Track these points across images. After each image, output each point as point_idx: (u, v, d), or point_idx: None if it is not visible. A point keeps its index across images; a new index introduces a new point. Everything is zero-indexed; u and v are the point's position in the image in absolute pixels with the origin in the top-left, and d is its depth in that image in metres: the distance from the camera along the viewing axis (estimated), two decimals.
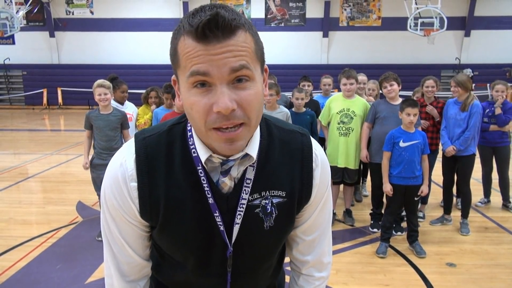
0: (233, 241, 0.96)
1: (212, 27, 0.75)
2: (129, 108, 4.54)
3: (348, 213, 4.41)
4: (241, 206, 0.93)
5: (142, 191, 0.91)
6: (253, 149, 0.91)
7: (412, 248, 3.71)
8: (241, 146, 0.84)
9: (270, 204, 0.95)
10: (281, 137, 0.98)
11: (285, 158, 0.97)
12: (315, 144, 1.02)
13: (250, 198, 0.94)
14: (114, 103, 4.19)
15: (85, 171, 4.03)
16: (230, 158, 0.90)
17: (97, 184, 3.91)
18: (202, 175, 0.91)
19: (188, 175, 0.92)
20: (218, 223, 0.93)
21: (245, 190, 0.93)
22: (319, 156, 1.01)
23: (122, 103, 4.51)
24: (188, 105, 0.83)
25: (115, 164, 0.94)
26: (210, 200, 0.92)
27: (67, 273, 3.33)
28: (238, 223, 0.94)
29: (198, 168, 0.91)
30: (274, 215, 0.96)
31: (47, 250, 3.74)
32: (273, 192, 0.95)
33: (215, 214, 0.93)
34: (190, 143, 0.92)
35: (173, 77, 0.90)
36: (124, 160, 0.93)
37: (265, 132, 0.96)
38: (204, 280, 1.03)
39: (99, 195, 3.95)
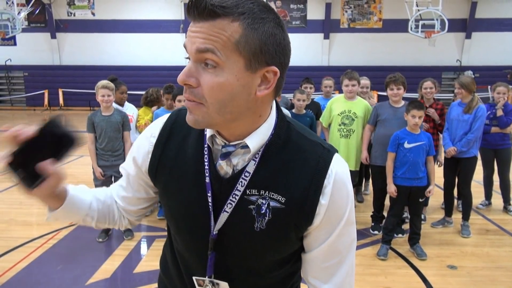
0: (217, 226, 0.95)
1: (193, 7, 0.81)
2: (129, 110, 4.54)
3: None
4: (233, 195, 0.93)
5: (156, 149, 1.02)
6: (253, 142, 0.91)
7: (413, 250, 3.70)
8: (196, 121, 0.87)
9: (266, 206, 0.93)
10: (299, 143, 0.95)
11: (296, 165, 0.93)
12: (337, 161, 0.95)
13: (247, 192, 0.93)
14: (114, 105, 4.19)
15: (86, 172, 4.03)
16: (231, 143, 0.93)
17: (98, 185, 3.90)
18: (206, 153, 0.96)
19: (197, 150, 0.98)
20: (209, 203, 0.95)
21: (241, 181, 0.92)
22: (335, 175, 0.93)
23: (121, 105, 4.51)
24: None
25: (156, 121, 1.08)
26: (207, 179, 0.95)
27: (68, 274, 3.33)
28: (227, 212, 0.94)
29: (205, 145, 0.97)
30: (267, 218, 0.93)
31: (47, 251, 3.74)
32: (272, 195, 0.93)
33: (208, 194, 0.95)
34: None
35: None
36: (159, 122, 1.06)
37: (282, 132, 0.95)
38: (193, 256, 1.03)
39: None
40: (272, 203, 0.92)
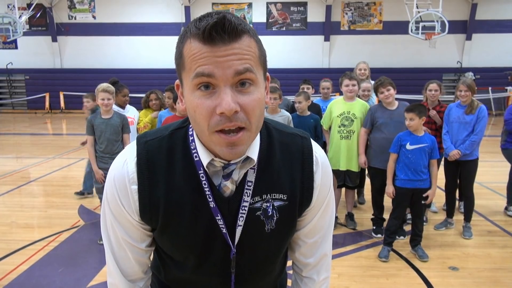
0: (236, 243, 0.97)
1: (218, 29, 0.77)
2: (131, 112, 4.55)
3: (350, 216, 4.40)
4: (243, 208, 0.94)
5: (142, 194, 0.92)
6: (254, 152, 0.92)
7: (414, 252, 3.69)
8: (242, 151, 0.85)
9: (271, 207, 0.96)
10: (281, 139, 0.99)
11: (286, 161, 0.98)
12: (315, 146, 1.02)
13: (251, 201, 0.94)
14: (115, 107, 4.20)
15: (87, 174, 4.03)
16: (232, 162, 0.90)
17: (99, 188, 3.91)
18: (204, 179, 0.92)
19: (189, 179, 0.92)
20: (220, 226, 0.94)
21: (246, 192, 0.94)
22: (320, 159, 1.01)
23: (123, 107, 4.52)
24: (191, 108, 0.83)
25: (117, 166, 0.95)
26: (212, 204, 0.93)
27: (69, 276, 3.33)
28: (240, 225, 0.95)
29: (199, 172, 0.92)
30: (275, 218, 0.97)
31: (49, 253, 3.74)
32: (274, 195, 0.96)
33: (217, 218, 0.94)
34: (192, 147, 0.93)
35: (177, 81, 0.91)
36: (125, 163, 0.94)
37: (265, 135, 0.97)
38: (206, 278, 1.04)
39: (100, 198, 3.96)
40: (276, 203, 0.96)
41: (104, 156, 3.86)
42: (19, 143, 10.57)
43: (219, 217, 0.94)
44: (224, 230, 0.95)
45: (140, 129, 4.55)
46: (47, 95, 17.08)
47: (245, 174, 0.94)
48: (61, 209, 4.97)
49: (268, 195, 0.95)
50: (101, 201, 3.97)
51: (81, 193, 5.30)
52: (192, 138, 0.94)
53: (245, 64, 0.79)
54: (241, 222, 0.95)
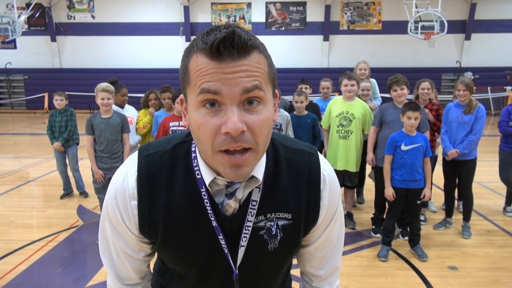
0: (238, 264, 0.94)
1: (227, 45, 0.74)
2: (130, 112, 4.55)
3: (349, 216, 4.40)
4: (246, 228, 0.91)
5: (141, 210, 0.91)
6: (259, 171, 0.89)
7: (413, 251, 3.69)
8: (248, 172, 0.81)
9: (275, 227, 0.93)
10: (288, 157, 0.96)
11: (292, 179, 0.94)
12: (323, 163, 0.98)
13: (255, 220, 0.92)
14: (114, 107, 4.19)
15: (86, 174, 4.02)
16: (236, 181, 0.87)
17: (97, 188, 3.90)
18: (206, 197, 0.89)
19: (191, 197, 0.90)
20: (223, 245, 0.92)
21: (250, 212, 0.91)
22: (327, 176, 0.97)
23: (122, 107, 4.52)
24: (195, 125, 0.80)
25: (118, 179, 0.94)
26: (214, 223, 0.90)
27: (68, 276, 3.33)
28: (243, 246, 0.93)
29: (201, 190, 0.89)
30: (279, 237, 0.94)
31: (47, 253, 3.73)
32: (278, 215, 0.93)
33: (219, 237, 0.91)
34: (194, 164, 0.90)
35: (181, 96, 0.88)
36: (126, 177, 0.92)
37: (271, 152, 0.94)
38: None
39: (99, 198, 3.95)
40: (280, 222, 0.94)
41: (104, 156, 3.85)
42: (18, 143, 10.55)
43: (221, 237, 0.91)
44: (226, 250, 0.92)
45: (139, 128, 4.54)
46: (46, 95, 17.04)
47: (250, 193, 0.91)
48: (60, 209, 4.97)
49: (273, 214, 0.93)
50: (99, 201, 3.96)
51: (84, 193, 5.38)
52: (194, 154, 0.91)
53: (253, 82, 0.76)
54: (244, 242, 0.92)
